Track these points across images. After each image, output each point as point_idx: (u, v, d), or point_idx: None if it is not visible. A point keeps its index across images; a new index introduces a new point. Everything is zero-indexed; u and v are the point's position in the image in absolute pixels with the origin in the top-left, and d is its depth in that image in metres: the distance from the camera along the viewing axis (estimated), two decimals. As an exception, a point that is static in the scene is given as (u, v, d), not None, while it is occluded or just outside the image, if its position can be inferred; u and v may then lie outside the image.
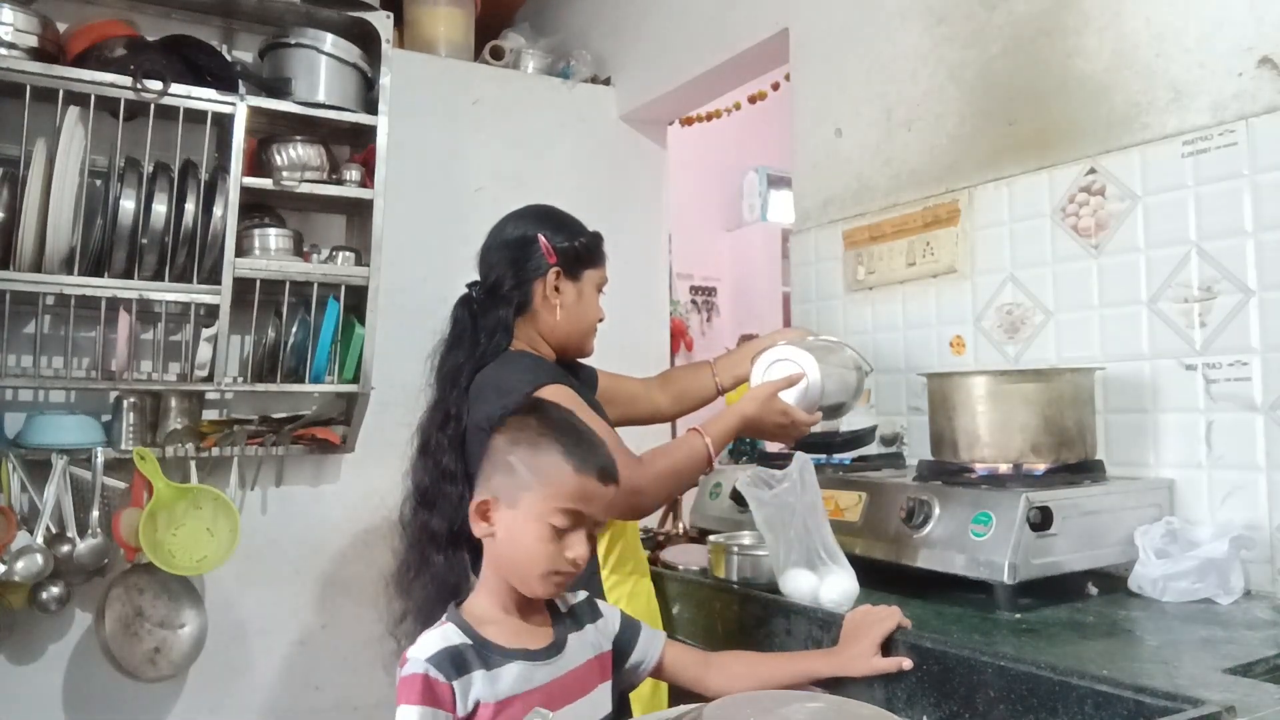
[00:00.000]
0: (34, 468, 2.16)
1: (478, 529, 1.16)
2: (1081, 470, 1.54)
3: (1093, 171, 1.70)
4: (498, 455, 1.15)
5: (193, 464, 2.31)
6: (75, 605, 2.28)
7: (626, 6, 3.13)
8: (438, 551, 1.47)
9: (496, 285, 1.57)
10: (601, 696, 1.17)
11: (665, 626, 1.68)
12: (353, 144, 2.65)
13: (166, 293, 2.23)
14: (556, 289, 1.58)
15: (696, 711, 0.83)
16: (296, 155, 2.39)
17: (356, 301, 2.44)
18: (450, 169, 2.87)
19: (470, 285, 1.62)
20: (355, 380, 2.42)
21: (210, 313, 2.29)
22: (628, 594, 1.56)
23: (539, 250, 1.57)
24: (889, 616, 1.27)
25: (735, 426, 1.52)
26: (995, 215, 1.88)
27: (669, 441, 1.53)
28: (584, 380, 1.74)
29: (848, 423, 2.17)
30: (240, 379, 2.44)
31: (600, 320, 1.66)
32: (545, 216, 1.63)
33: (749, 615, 1.49)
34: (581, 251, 1.61)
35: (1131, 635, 1.24)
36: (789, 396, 1.56)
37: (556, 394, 1.44)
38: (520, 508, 1.10)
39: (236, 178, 2.25)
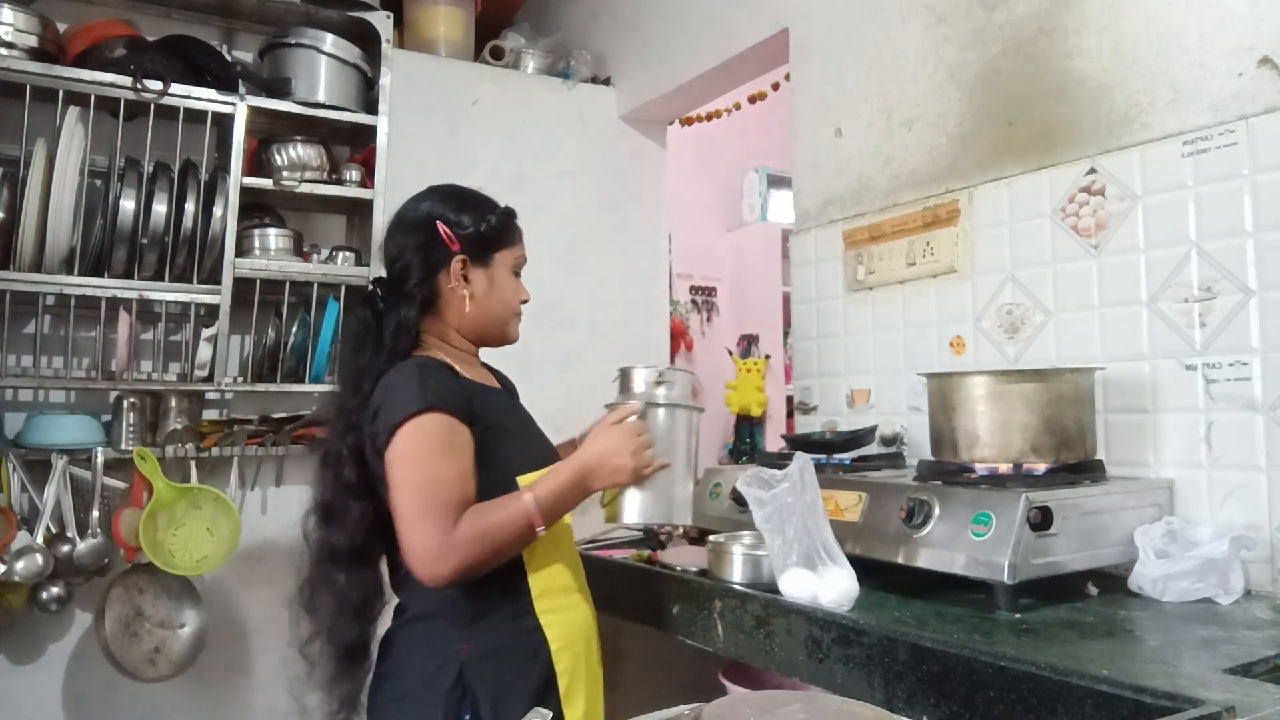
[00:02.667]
0: (34, 468, 2.16)
1: None
2: (1081, 470, 1.54)
3: (1093, 171, 1.70)
4: None
5: (193, 464, 2.31)
6: (75, 605, 2.28)
7: (626, 6, 3.13)
8: (339, 569, 1.41)
9: (398, 281, 1.46)
10: None
11: (665, 627, 1.68)
12: (353, 144, 2.65)
13: (166, 293, 2.23)
14: (464, 278, 1.46)
15: (696, 711, 0.83)
16: (296, 155, 2.39)
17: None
18: (450, 169, 2.86)
19: (374, 282, 1.51)
20: (355, 380, 2.42)
21: (210, 313, 2.30)
22: (566, 620, 1.44)
23: (439, 238, 1.44)
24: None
25: (566, 480, 1.36)
26: (995, 215, 1.88)
27: (496, 500, 1.36)
28: (508, 387, 1.64)
29: (848, 423, 2.18)
30: (240, 379, 2.44)
31: (525, 302, 1.54)
32: (447, 198, 1.50)
33: (749, 615, 1.49)
34: (489, 234, 1.48)
35: (1131, 635, 1.24)
36: (679, 433, 1.45)
37: (425, 426, 1.32)
38: None
39: (236, 178, 2.25)
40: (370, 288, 1.51)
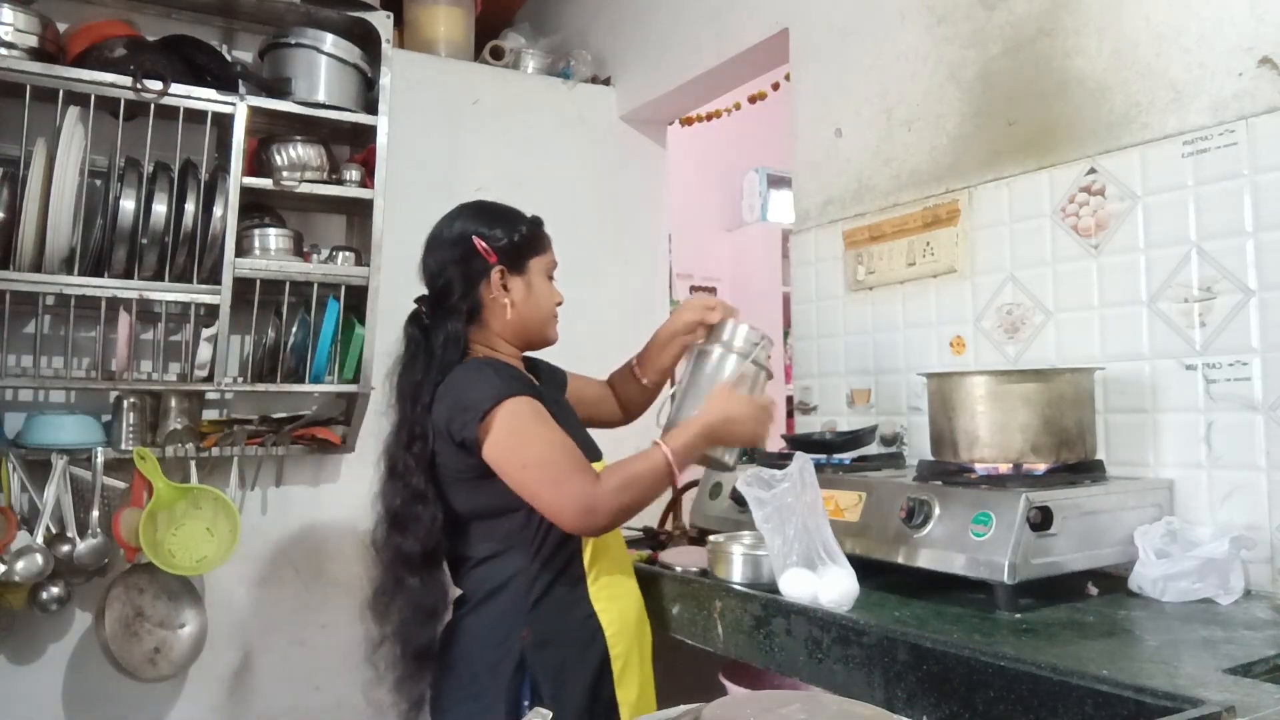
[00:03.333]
0: (34, 468, 2.16)
1: None
2: (1081, 470, 1.54)
3: (1093, 171, 1.70)
4: None
5: (193, 464, 2.31)
6: (75, 605, 2.28)
7: (626, 6, 3.13)
8: (412, 574, 1.46)
9: (442, 296, 1.54)
10: None
11: (665, 627, 1.68)
12: (353, 144, 2.65)
13: (166, 293, 2.23)
14: (504, 287, 1.54)
15: (696, 711, 0.83)
16: (296, 155, 2.39)
17: (356, 301, 2.44)
18: (450, 169, 2.87)
19: (418, 300, 1.59)
20: (355, 380, 2.42)
21: (210, 313, 2.29)
22: (619, 607, 1.53)
23: (477, 252, 1.53)
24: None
25: (696, 434, 1.48)
26: (995, 215, 1.88)
27: (632, 455, 1.48)
28: (551, 381, 1.71)
29: (848, 423, 2.18)
30: (240, 379, 2.44)
31: (559, 304, 1.62)
32: (478, 213, 1.58)
33: (749, 615, 1.49)
34: (521, 243, 1.56)
35: (1131, 635, 1.24)
36: (742, 389, 1.57)
37: (517, 408, 1.41)
38: None
39: (236, 178, 2.25)
40: (415, 305, 1.58)
